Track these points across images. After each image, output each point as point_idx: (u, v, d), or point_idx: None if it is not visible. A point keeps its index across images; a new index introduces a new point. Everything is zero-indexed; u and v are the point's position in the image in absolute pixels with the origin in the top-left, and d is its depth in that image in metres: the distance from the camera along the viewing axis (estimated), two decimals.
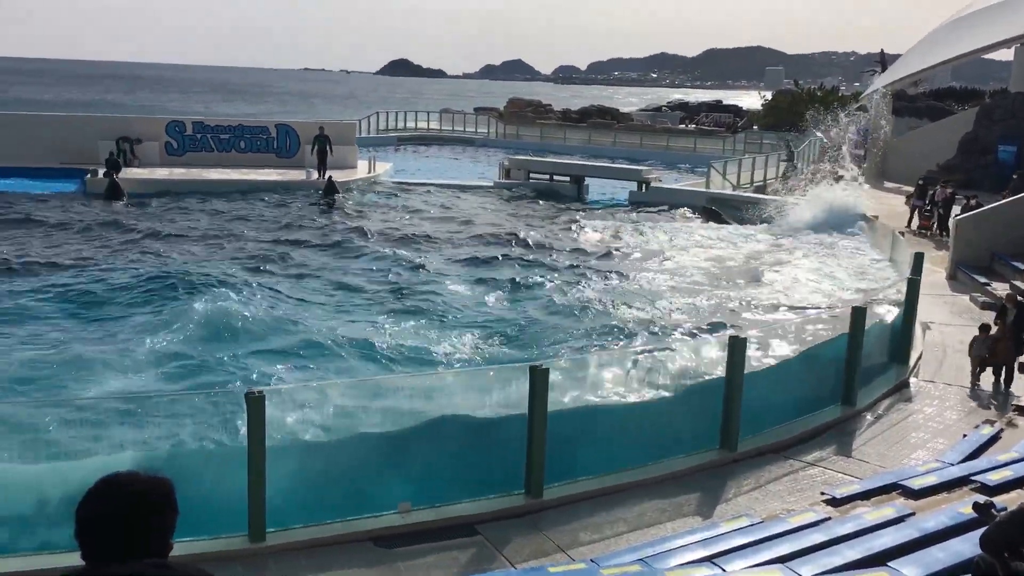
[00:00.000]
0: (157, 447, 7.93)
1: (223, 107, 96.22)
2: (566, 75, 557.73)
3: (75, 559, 2.21)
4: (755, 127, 55.53)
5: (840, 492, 7.93)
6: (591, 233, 24.28)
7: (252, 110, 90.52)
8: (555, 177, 33.12)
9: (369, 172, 31.98)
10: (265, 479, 7.02)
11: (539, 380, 7.91)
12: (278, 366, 12.28)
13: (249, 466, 6.95)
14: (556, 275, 18.78)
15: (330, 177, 28.47)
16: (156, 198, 26.20)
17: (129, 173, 28.25)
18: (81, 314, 14.78)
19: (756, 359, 11.19)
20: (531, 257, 20.68)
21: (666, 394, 9.75)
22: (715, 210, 28.79)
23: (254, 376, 11.79)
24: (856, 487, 8.08)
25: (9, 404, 9.93)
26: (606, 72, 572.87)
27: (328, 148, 30.05)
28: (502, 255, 20.61)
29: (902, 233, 22.01)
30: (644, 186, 31.54)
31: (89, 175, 27.37)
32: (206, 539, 6.90)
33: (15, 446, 7.85)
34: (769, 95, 65.56)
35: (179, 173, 29.50)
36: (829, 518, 7.12)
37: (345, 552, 7.09)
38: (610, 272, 19.49)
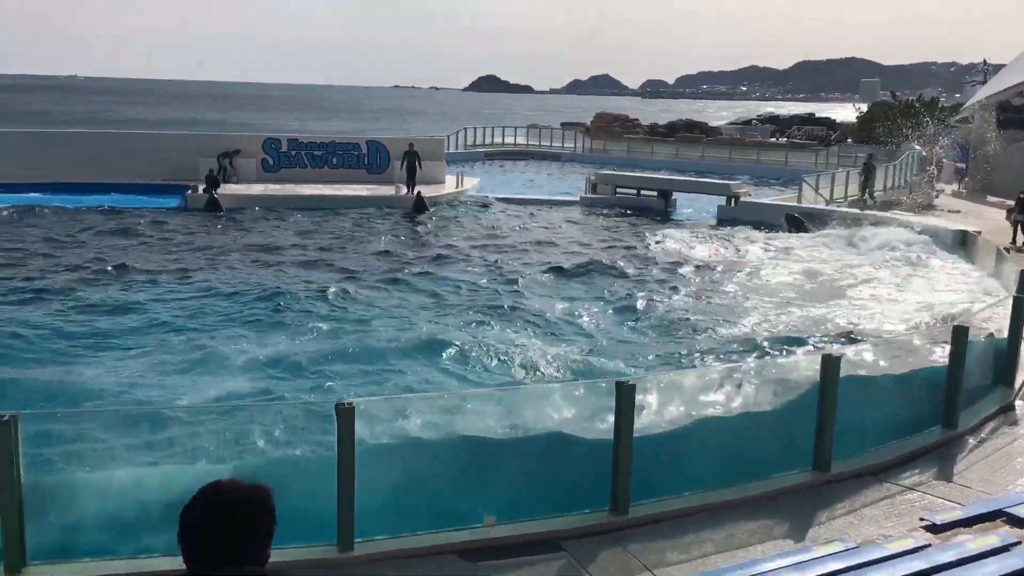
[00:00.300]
0: (250, 455, 8.12)
1: (318, 124, 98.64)
2: (654, 89, 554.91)
3: (174, 563, 2.27)
4: (849, 140, 54.20)
5: (941, 518, 7.61)
6: (679, 248, 24.02)
7: (346, 127, 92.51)
8: (642, 192, 32.92)
9: (457, 187, 32.32)
10: (354, 489, 7.12)
11: (625, 396, 7.82)
12: (367, 377, 12.47)
13: (338, 476, 7.06)
14: (644, 290, 18.63)
15: (419, 192, 28.87)
16: (252, 213, 26.99)
17: (227, 189, 29.19)
18: (179, 323, 15.26)
19: (851, 378, 10.86)
20: (618, 272, 20.56)
21: (756, 412, 9.53)
22: (805, 224, 28.17)
23: (343, 387, 11.99)
24: (958, 513, 7.75)
25: (111, 410, 10.32)
26: (695, 86, 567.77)
27: (417, 164, 30.49)
28: (589, 270, 20.55)
29: (1007, 249, 21.13)
30: (733, 200, 31.06)
31: (190, 191, 28.40)
32: (296, 547, 7.02)
33: (118, 450, 8.14)
34: (864, 107, 63.91)
35: (274, 189, 30.35)
36: (929, 545, 6.84)
37: (431, 564, 7.13)
38: (698, 287, 19.24)
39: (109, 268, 19.26)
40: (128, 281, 18.12)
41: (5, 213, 25.40)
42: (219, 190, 28.41)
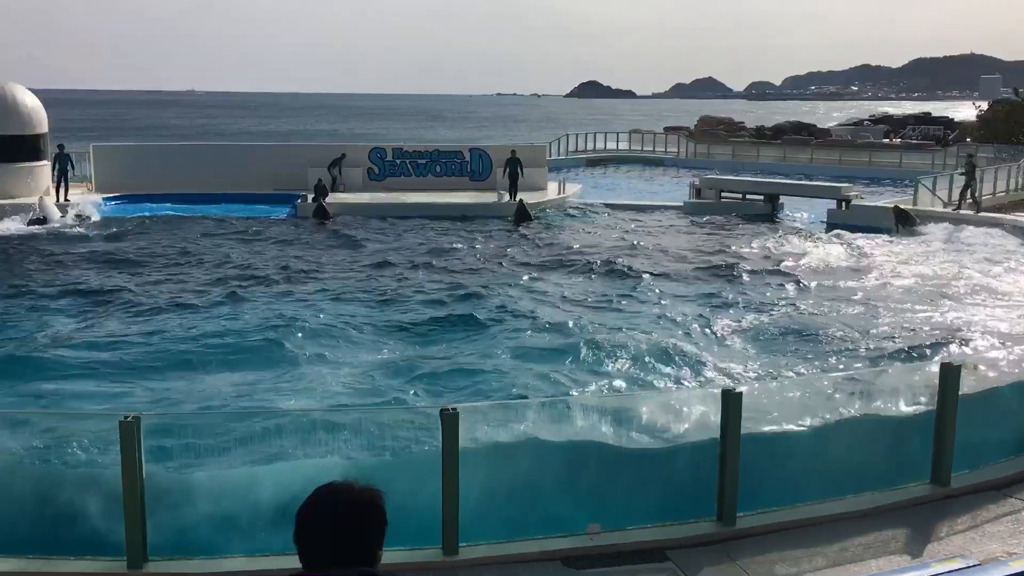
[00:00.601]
0: (358, 459, 8.28)
1: (424, 132, 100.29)
2: (760, 91, 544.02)
3: (290, 562, 2.32)
4: (968, 140, 51.94)
5: None
6: (787, 252, 23.45)
7: (449, 135, 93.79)
8: (748, 196, 32.28)
9: (559, 194, 32.34)
10: (459, 494, 7.19)
11: (732, 404, 7.68)
12: (471, 382, 12.59)
13: (443, 481, 7.14)
14: (751, 296, 18.26)
15: (521, 200, 29.01)
16: (359, 221, 27.61)
17: (334, 197, 29.95)
18: (290, 328, 15.70)
19: (972, 388, 10.39)
20: (726, 277, 20.20)
21: (870, 421, 9.22)
22: (913, 218, 27.16)
23: (448, 392, 12.12)
24: None
25: (226, 411, 10.69)
26: (803, 87, 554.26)
27: (519, 171, 30.63)
28: (696, 276, 20.26)
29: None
30: (844, 204, 30.11)
31: (299, 200, 29.28)
32: (402, 549, 7.13)
33: (232, 451, 8.42)
34: (984, 105, 61.15)
35: (380, 197, 31.00)
36: None
37: (535, 571, 7.13)
38: (810, 292, 18.75)
39: (224, 275, 20.00)
40: (242, 287, 18.76)
41: (130, 224, 26.68)
42: (327, 199, 29.19)
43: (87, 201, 28.26)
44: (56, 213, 26.77)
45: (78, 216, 26.88)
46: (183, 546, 7.34)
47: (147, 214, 27.93)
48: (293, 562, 2.34)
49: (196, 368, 13.52)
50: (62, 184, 28.55)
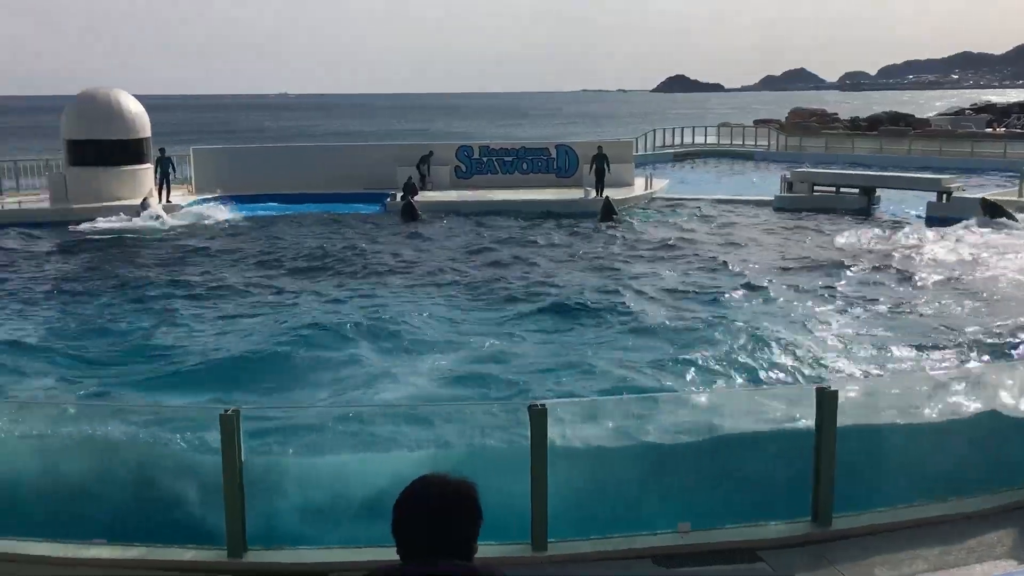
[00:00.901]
0: (447, 452, 8.38)
1: (510, 130, 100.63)
2: (854, 81, 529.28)
3: (387, 554, 2.36)
4: None
5: None
6: (885, 247, 22.77)
7: (535, 132, 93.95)
8: (842, 189, 31.43)
9: (646, 189, 32.09)
10: (547, 490, 7.19)
11: (827, 402, 7.49)
12: (558, 377, 12.59)
13: (532, 477, 7.16)
14: (848, 291, 17.79)
15: (607, 196, 28.85)
16: (446, 218, 27.89)
17: (422, 196, 30.33)
18: (379, 322, 15.97)
19: None
20: (819, 273, 19.74)
21: (975, 422, 8.88)
22: (1004, 210, 26.04)
23: (537, 388, 12.15)
24: None
25: (322, 405, 10.95)
26: (899, 76, 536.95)
27: (606, 167, 30.48)
28: (787, 271, 19.84)
29: None
30: (945, 196, 29.03)
31: (389, 198, 29.76)
32: (491, 544, 7.17)
33: (328, 443, 8.62)
34: None
35: (467, 195, 31.27)
36: None
37: (624, 567, 7.09)
38: (908, 287, 18.17)
39: (315, 273, 20.47)
40: (332, 283, 19.16)
41: (227, 224, 27.54)
42: (416, 197, 29.58)
43: (214, 204, 29.41)
44: (162, 212, 27.83)
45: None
46: (278, 536, 7.54)
47: (243, 213, 28.78)
48: (390, 554, 2.37)
49: (289, 361, 13.86)
50: (164, 186, 29.62)
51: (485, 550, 7.05)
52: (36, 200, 30.22)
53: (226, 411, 7.12)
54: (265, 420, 8.93)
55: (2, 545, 7.42)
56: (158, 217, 27.45)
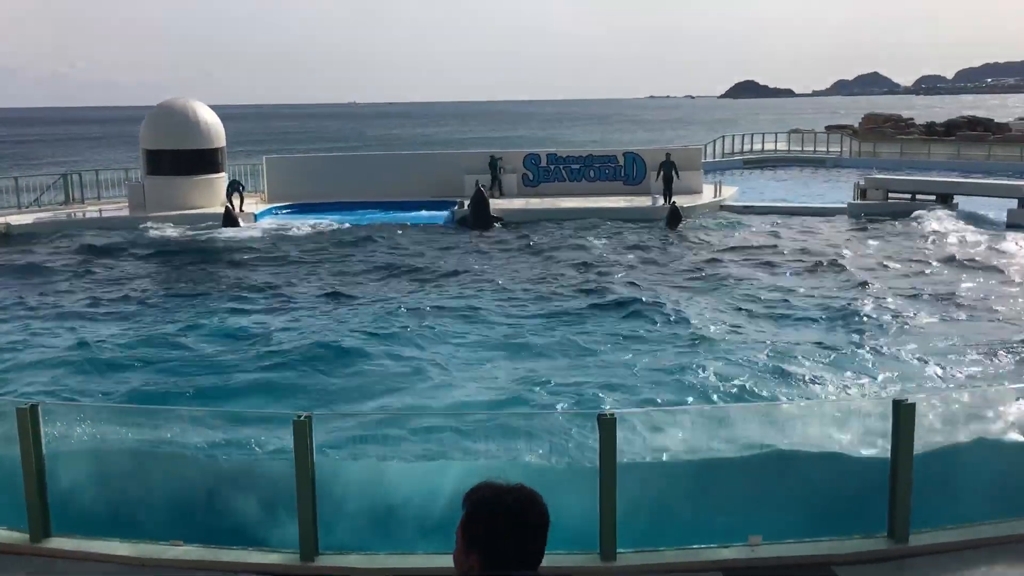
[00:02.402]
0: (516, 461, 8.41)
1: (576, 137, 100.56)
2: (930, 85, 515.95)
3: (450, 560, 2.35)
4: None
5: None
6: (964, 256, 22.12)
7: (602, 139, 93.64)
8: (918, 196, 30.65)
9: (715, 196, 31.75)
10: (615, 499, 7.16)
11: (905, 415, 7.31)
12: (627, 388, 12.52)
13: (601, 486, 7.13)
14: (926, 302, 17.34)
15: (674, 203, 28.61)
16: (513, 227, 27.96)
17: (492, 204, 30.45)
18: (446, 329, 16.10)
19: None
20: (894, 282, 19.28)
21: None
22: None
23: (604, 397, 12.10)
24: None
25: (391, 412, 11.07)
26: (978, 79, 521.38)
27: (674, 174, 30.25)
28: (860, 281, 19.41)
29: None
30: None
31: (456, 206, 29.97)
32: (560, 553, 7.17)
33: (396, 449, 8.72)
34: None
35: (534, 203, 31.31)
36: None
37: None
38: (989, 298, 17.63)
39: (383, 279, 20.74)
40: (399, 290, 19.38)
41: (301, 231, 28.06)
42: (489, 205, 29.79)
43: (286, 213, 30.05)
44: (239, 221, 28.50)
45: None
46: (348, 542, 7.65)
47: (314, 222, 29.28)
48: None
49: (356, 368, 14.06)
50: (234, 199, 30.27)
51: (553, 559, 7.08)
52: (116, 208, 31.19)
53: (299, 416, 7.25)
54: (336, 426, 9.07)
55: (84, 545, 7.67)
56: (233, 226, 28.11)
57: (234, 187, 30.32)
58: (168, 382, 13.46)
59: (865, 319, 16.28)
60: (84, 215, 30.60)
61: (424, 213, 30.36)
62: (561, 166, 33.79)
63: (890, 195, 30.87)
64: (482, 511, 2.24)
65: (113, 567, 7.40)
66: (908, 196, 30.82)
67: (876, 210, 29.75)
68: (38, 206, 31.18)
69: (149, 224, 28.49)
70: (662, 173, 30.40)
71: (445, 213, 30.08)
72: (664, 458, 8.66)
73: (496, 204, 30.64)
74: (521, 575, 2.16)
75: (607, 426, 7.12)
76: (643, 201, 30.76)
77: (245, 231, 28.01)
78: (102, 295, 19.81)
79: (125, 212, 30.37)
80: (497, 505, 2.24)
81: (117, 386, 13.32)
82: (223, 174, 31.07)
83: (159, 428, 8.83)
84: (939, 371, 13.12)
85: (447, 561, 6.92)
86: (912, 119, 64.59)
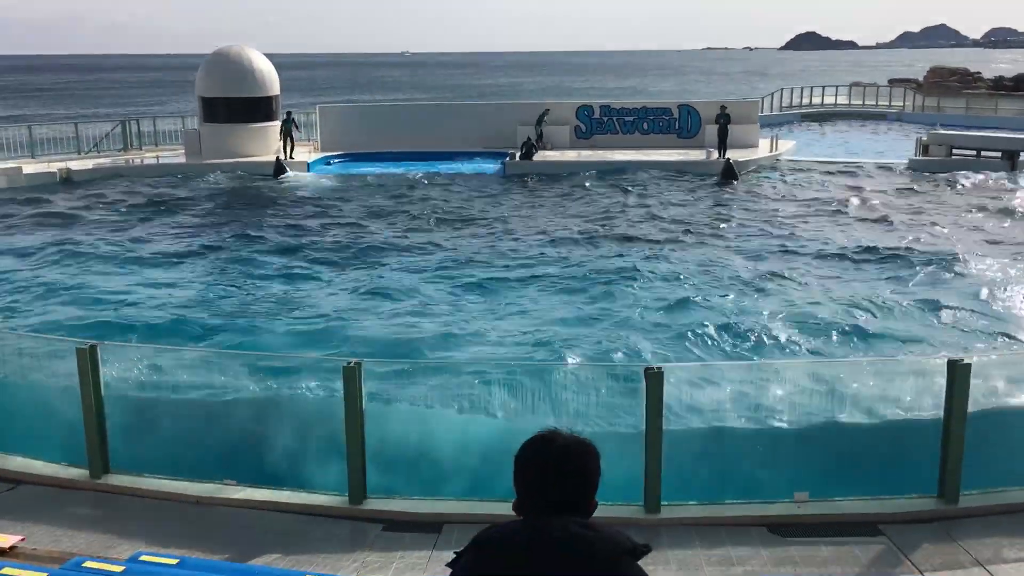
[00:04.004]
0: (562, 412, 8.43)
1: (632, 88, 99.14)
2: (999, 38, 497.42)
3: (496, 508, 2.39)
4: None
5: None
6: None
7: (659, 91, 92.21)
8: (983, 153, 29.71)
9: (771, 151, 31.14)
10: (660, 453, 7.17)
11: (959, 376, 7.18)
12: (675, 343, 12.47)
13: (646, 439, 7.14)
14: (984, 262, 16.90)
15: (728, 158, 28.14)
16: (565, 179, 27.77)
17: (542, 156, 30.27)
18: (495, 280, 16.12)
19: None
20: (956, 241, 18.81)
21: None
22: None
23: (650, 351, 12.07)
24: None
25: (436, 360, 11.17)
26: None
27: (727, 127, 29.71)
28: (920, 240, 18.98)
29: None
30: None
31: (508, 157, 29.84)
32: (604, 504, 7.20)
33: (441, 396, 8.80)
34: None
35: (586, 155, 31.02)
36: None
37: (737, 534, 7.01)
38: None
39: (432, 229, 20.81)
40: (448, 241, 19.43)
41: (355, 183, 28.21)
42: (535, 157, 29.59)
43: (339, 161, 30.24)
44: (290, 170, 28.77)
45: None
46: (392, 486, 7.77)
47: (367, 171, 29.41)
48: (503, 508, 2.41)
49: (403, 315, 14.19)
50: (288, 144, 30.51)
51: (598, 510, 7.12)
52: (172, 155, 31.62)
53: (349, 363, 7.34)
54: (384, 373, 9.17)
55: (140, 482, 7.92)
56: (285, 174, 28.38)
57: (288, 122, 30.48)
58: (221, 327, 13.71)
59: (922, 276, 15.96)
60: (142, 162, 31.07)
61: (476, 164, 30.30)
62: (614, 118, 33.37)
63: (954, 151, 29.98)
64: (517, 456, 2.25)
65: (168, 504, 7.63)
66: (973, 153, 29.91)
67: (939, 166, 28.94)
68: (97, 152, 31.73)
69: (205, 171, 28.88)
70: (718, 126, 29.86)
71: (497, 164, 29.98)
72: (710, 413, 8.62)
73: (547, 156, 30.45)
74: (537, 522, 2.15)
75: (654, 379, 7.11)
76: (697, 155, 30.29)
77: (297, 180, 28.23)
78: (157, 241, 20.18)
79: (181, 159, 30.76)
80: (524, 450, 2.25)
81: (171, 329, 13.61)
82: (278, 122, 31.24)
83: (213, 371, 9.01)
84: (999, 331, 12.84)
85: (488, 508, 7.02)
86: (979, 73, 62.49)
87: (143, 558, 5.91)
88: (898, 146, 35.63)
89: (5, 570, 4.92)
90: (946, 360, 7.38)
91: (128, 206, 24.16)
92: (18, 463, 8.24)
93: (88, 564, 5.41)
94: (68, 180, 27.95)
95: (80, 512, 7.50)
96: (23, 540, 6.07)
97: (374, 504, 7.45)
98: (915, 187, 26.31)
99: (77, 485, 7.92)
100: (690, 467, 7.81)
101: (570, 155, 31.07)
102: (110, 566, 5.47)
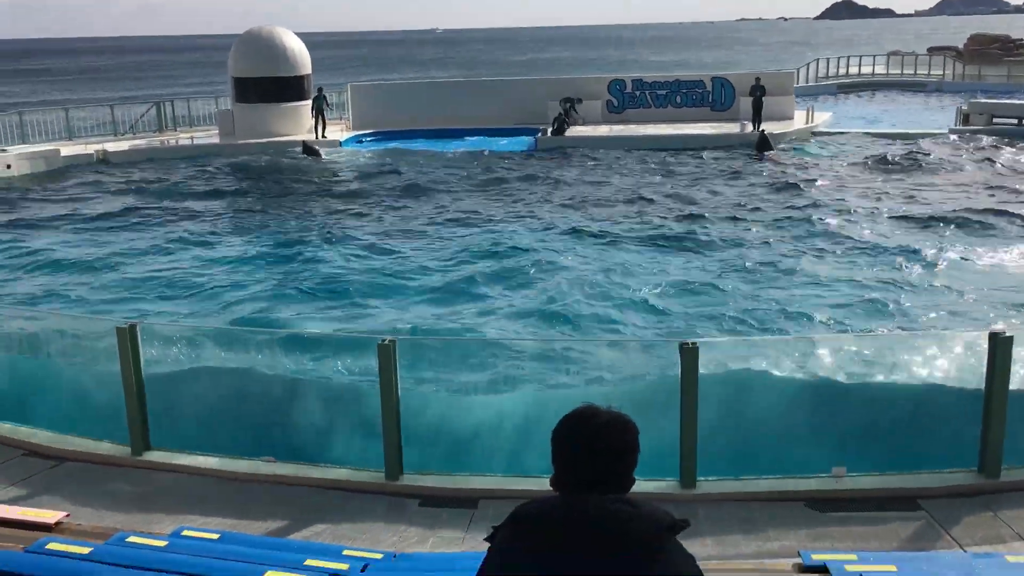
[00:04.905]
0: (597, 387, 8.43)
1: (663, 61, 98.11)
2: None
3: (527, 484, 2.38)
4: None
5: None
6: None
7: (692, 63, 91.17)
8: None
9: (807, 123, 30.72)
10: (696, 427, 7.13)
11: (1001, 349, 7.05)
12: (707, 318, 12.39)
13: (682, 415, 7.11)
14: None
15: (763, 131, 27.80)
16: (596, 154, 27.59)
17: (573, 131, 30.10)
18: (521, 257, 16.11)
19: None
20: (998, 213, 18.45)
21: None
22: None
23: (682, 325, 12.01)
24: None
25: (471, 339, 11.20)
26: None
27: (762, 99, 29.31)
28: (960, 212, 18.65)
29: None
30: None
31: (539, 133, 29.71)
32: (639, 479, 7.18)
33: (477, 373, 8.82)
34: None
35: (618, 129, 30.81)
36: None
37: (776, 510, 6.97)
38: None
39: (465, 206, 20.81)
40: (480, 217, 19.42)
41: (387, 161, 28.26)
42: (567, 133, 29.44)
43: (370, 140, 30.37)
44: (321, 149, 28.87)
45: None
46: (428, 463, 7.81)
47: (399, 148, 29.45)
48: (539, 484, 2.41)
49: (436, 292, 14.23)
50: (319, 123, 30.60)
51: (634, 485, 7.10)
52: (206, 135, 31.86)
53: (384, 340, 7.37)
54: (419, 349, 9.21)
55: (180, 459, 8.03)
56: (317, 154, 28.48)
57: (319, 99, 30.54)
58: (256, 305, 13.85)
59: (964, 248, 15.71)
60: (176, 142, 31.34)
61: (507, 140, 30.20)
62: (647, 92, 33.07)
63: (994, 119, 29.40)
64: (554, 432, 2.24)
65: (208, 480, 7.74)
66: (1014, 121, 29.30)
67: (979, 135, 28.37)
68: (133, 133, 32.06)
69: (238, 151, 29.07)
70: (752, 98, 29.47)
71: (529, 139, 29.86)
72: (747, 387, 8.56)
73: (579, 131, 30.28)
74: (575, 498, 2.14)
75: (689, 355, 7.06)
76: (731, 128, 29.96)
77: (329, 159, 28.33)
78: (192, 220, 20.39)
79: (215, 139, 30.99)
80: (562, 426, 2.23)
81: (208, 308, 13.77)
82: (309, 101, 31.34)
83: (249, 349, 9.10)
84: None
85: (524, 484, 7.03)
86: (1021, 40, 61.01)
87: (185, 533, 6.00)
88: (938, 116, 34.97)
89: (51, 545, 5.02)
90: (988, 333, 7.25)
91: (164, 186, 24.40)
92: (61, 441, 8.38)
93: (132, 539, 5.50)
94: (105, 161, 28.31)
95: (122, 488, 7.63)
96: (67, 516, 6.19)
97: (410, 480, 7.49)
98: (954, 157, 25.82)
99: (119, 462, 8.04)
100: (726, 442, 7.76)
101: (602, 130, 30.87)
102: (153, 541, 5.55)
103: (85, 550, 4.96)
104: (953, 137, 28.68)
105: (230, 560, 5.06)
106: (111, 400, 8.29)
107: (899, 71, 51.63)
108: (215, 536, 5.89)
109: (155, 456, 8.05)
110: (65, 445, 8.30)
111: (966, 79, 47.62)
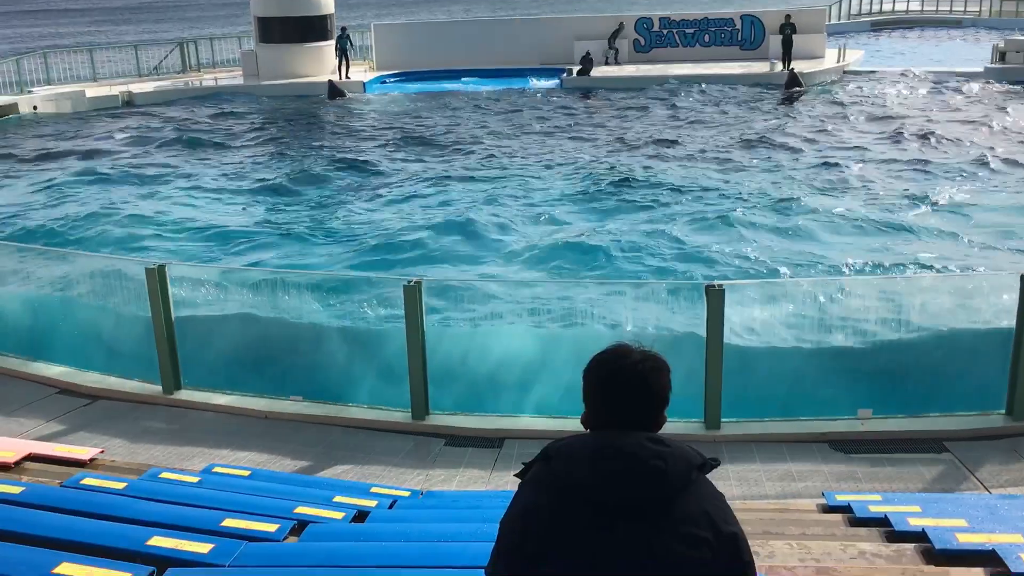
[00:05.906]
0: (622, 329, 8.42)
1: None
2: None
3: (550, 424, 2.39)
4: None
5: None
6: None
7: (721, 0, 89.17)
8: None
9: (838, 61, 30.07)
10: (721, 370, 7.14)
11: None
12: (737, 260, 12.31)
13: (707, 357, 7.11)
14: None
15: (792, 69, 27.26)
16: (622, 94, 27.22)
17: (599, 71, 29.68)
18: (551, 195, 16.03)
19: None
20: None
21: None
22: None
23: (714, 269, 11.94)
24: None
25: (494, 279, 11.21)
26: None
27: (792, 37, 28.67)
28: (993, 152, 18.28)
29: None
30: None
31: (566, 73, 29.33)
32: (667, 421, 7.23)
33: (503, 314, 8.85)
34: None
35: (644, 69, 30.31)
36: None
37: (801, 451, 7.00)
38: None
39: (487, 147, 20.66)
40: (502, 158, 19.30)
41: (412, 101, 28.06)
42: (592, 73, 29.07)
43: (394, 80, 30.15)
44: (344, 91, 28.70)
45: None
46: (453, 403, 7.89)
47: (424, 89, 29.21)
48: (562, 423, 2.41)
49: (463, 234, 14.22)
50: (343, 63, 30.33)
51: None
52: (230, 76, 31.71)
53: (409, 282, 7.40)
54: (444, 291, 9.23)
55: (211, 397, 8.17)
56: (342, 94, 28.32)
57: (343, 39, 30.27)
58: (281, 249, 13.91)
59: (996, 191, 15.45)
60: (200, 83, 31.23)
61: (533, 80, 29.83)
62: (675, 30, 32.43)
63: None
64: (586, 371, 2.23)
65: (238, 418, 7.88)
66: None
67: (1016, 74, 27.67)
68: (157, 75, 31.98)
69: (262, 91, 28.98)
70: (782, 36, 28.84)
71: (555, 80, 29.49)
72: (772, 330, 8.53)
73: (605, 71, 29.86)
74: (607, 437, 2.14)
75: (715, 297, 7.05)
76: (761, 67, 29.39)
77: (354, 100, 28.17)
78: (217, 162, 20.41)
79: (239, 80, 30.83)
80: (594, 366, 2.22)
81: (234, 249, 13.86)
82: (331, 42, 31.03)
83: (276, 290, 9.17)
84: None
85: (546, 424, 7.09)
86: None
87: (216, 470, 6.13)
88: (974, 53, 34.08)
89: (86, 480, 5.14)
90: (1019, 275, 7.16)
91: (188, 127, 24.40)
92: (94, 379, 8.54)
93: (164, 475, 5.62)
94: (130, 103, 28.32)
95: (154, 426, 7.78)
96: (102, 452, 6.33)
97: (436, 420, 7.59)
98: (989, 97, 25.24)
99: (151, 400, 8.19)
100: (751, 384, 7.76)
101: (629, 69, 30.41)
102: (186, 476, 5.68)
103: (120, 485, 5.08)
104: (989, 76, 27.99)
105: (260, 496, 5.16)
106: (142, 340, 8.41)
107: (934, 7, 50.24)
108: (245, 473, 6.01)
109: (186, 395, 8.20)
110: (98, 383, 8.46)
111: (1003, 15, 46.30)
